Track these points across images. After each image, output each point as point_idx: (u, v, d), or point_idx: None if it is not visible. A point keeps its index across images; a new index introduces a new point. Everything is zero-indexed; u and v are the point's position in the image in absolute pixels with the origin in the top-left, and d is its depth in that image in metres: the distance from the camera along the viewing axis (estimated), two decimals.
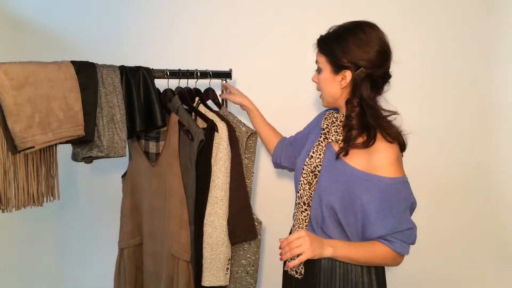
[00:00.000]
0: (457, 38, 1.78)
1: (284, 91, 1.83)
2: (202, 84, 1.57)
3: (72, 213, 1.93)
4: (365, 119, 1.14)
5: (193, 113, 1.49)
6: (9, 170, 1.16)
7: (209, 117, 1.44)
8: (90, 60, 1.30)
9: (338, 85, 1.18)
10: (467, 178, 1.84)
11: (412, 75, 1.76)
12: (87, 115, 1.24)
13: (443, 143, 1.80)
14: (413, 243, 1.15)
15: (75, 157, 1.31)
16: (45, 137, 1.16)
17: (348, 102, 1.18)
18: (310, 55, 1.83)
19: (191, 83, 1.54)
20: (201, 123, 1.45)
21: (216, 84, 1.66)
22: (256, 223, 1.48)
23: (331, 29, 1.21)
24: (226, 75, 1.60)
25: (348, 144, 1.15)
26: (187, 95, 1.51)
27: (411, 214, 1.18)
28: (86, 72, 1.26)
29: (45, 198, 1.27)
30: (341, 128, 1.21)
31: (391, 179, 1.09)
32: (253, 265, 1.51)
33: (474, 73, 1.80)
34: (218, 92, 1.65)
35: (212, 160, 1.39)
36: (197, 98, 1.53)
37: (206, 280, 1.40)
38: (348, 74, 1.15)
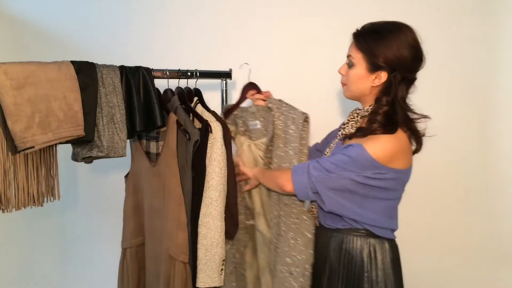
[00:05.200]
0: (457, 38, 1.78)
1: (284, 90, 1.82)
2: (202, 84, 1.57)
3: (72, 213, 1.94)
4: (392, 118, 1.15)
5: (191, 114, 1.49)
6: (9, 170, 1.16)
7: (204, 117, 1.43)
8: (90, 60, 1.30)
9: (370, 83, 1.18)
10: (467, 178, 1.83)
11: None
12: (87, 115, 1.24)
13: (443, 142, 1.79)
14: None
15: (75, 157, 1.31)
16: (45, 137, 1.16)
17: (378, 100, 1.19)
18: (310, 55, 1.83)
19: (191, 83, 1.54)
20: (199, 124, 1.45)
21: (216, 84, 1.66)
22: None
23: (367, 25, 1.18)
24: (226, 75, 1.60)
25: (362, 133, 1.16)
26: (186, 95, 1.51)
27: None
28: (86, 72, 1.26)
29: (45, 198, 1.27)
30: (357, 123, 1.24)
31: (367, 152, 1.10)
32: (298, 267, 1.32)
33: (474, 73, 1.80)
34: (215, 93, 1.65)
35: (207, 161, 1.38)
36: (195, 98, 1.53)
37: (200, 282, 1.38)
38: (383, 75, 1.15)
